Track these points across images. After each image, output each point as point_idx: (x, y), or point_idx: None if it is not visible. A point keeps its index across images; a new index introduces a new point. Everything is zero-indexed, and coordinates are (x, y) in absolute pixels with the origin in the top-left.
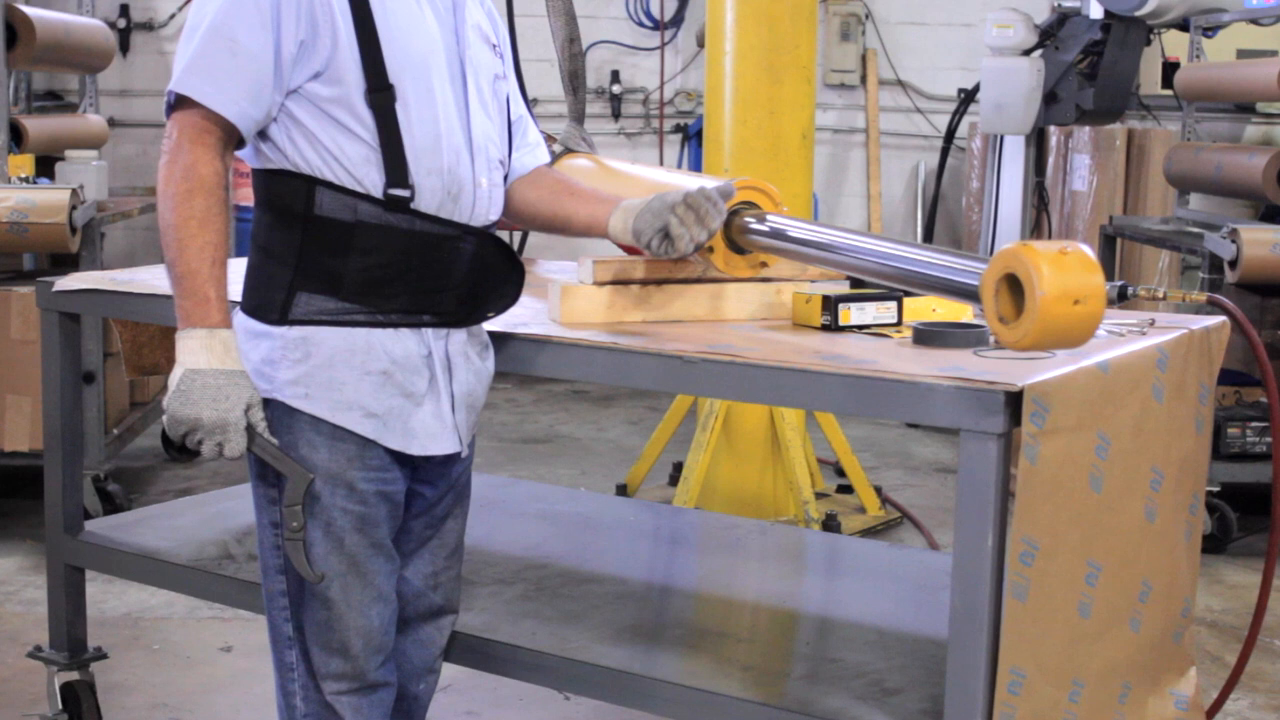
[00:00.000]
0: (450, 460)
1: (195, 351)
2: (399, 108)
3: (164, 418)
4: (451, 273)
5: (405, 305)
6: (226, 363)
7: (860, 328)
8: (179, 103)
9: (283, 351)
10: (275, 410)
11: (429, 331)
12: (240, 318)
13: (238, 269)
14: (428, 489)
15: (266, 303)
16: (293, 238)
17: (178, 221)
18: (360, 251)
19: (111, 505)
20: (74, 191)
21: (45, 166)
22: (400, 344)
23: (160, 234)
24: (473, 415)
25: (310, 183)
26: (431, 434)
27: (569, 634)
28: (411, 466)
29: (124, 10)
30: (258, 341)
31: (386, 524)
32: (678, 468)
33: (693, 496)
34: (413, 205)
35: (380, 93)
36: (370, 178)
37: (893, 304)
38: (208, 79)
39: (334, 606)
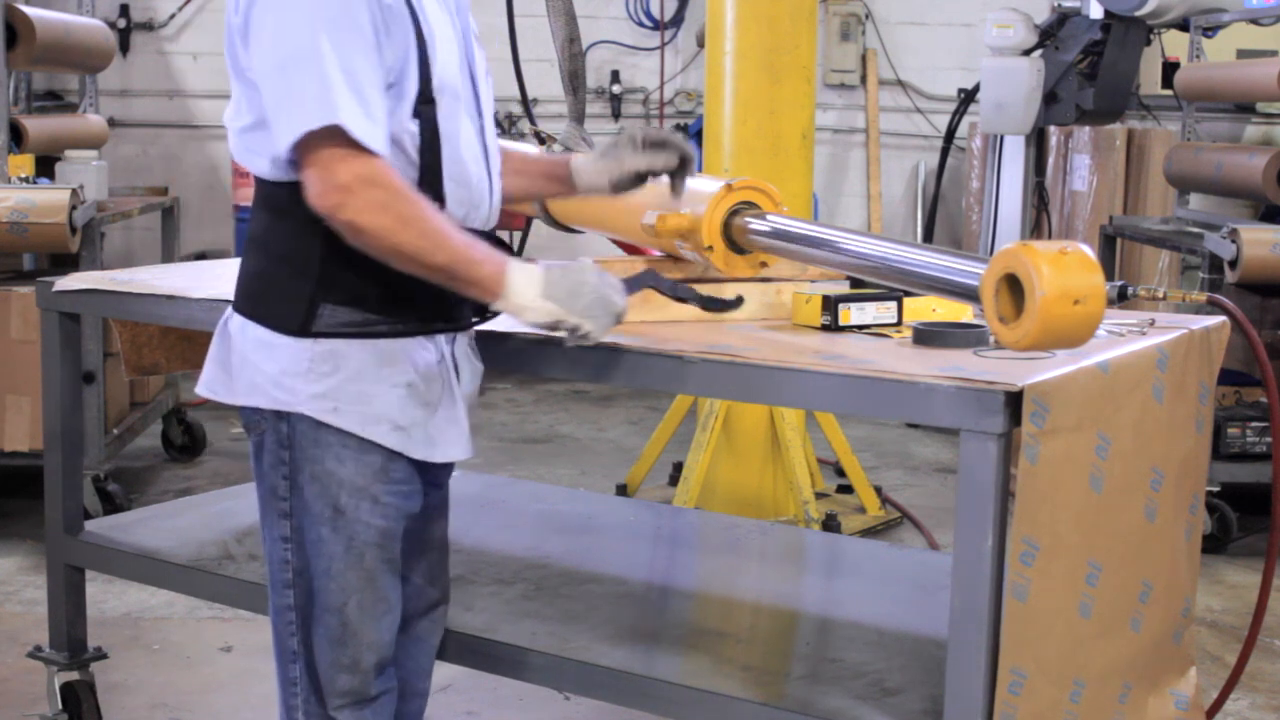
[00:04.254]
0: (448, 464)
1: (522, 269)
2: (438, 121)
3: (555, 317)
4: None
5: (424, 313)
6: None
7: (860, 328)
8: (313, 140)
9: (309, 364)
10: (300, 424)
11: (440, 337)
12: (248, 326)
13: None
14: (432, 491)
15: (282, 313)
16: (313, 247)
17: (413, 236)
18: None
19: (111, 505)
20: (74, 191)
21: (45, 166)
22: (421, 352)
23: (400, 261)
24: (475, 416)
25: None
26: (449, 440)
27: (569, 634)
28: (423, 474)
29: (124, 10)
30: (274, 353)
31: (400, 539)
32: (678, 468)
33: (693, 496)
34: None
35: (427, 104)
36: None
37: (893, 304)
38: (352, 111)
39: (350, 623)
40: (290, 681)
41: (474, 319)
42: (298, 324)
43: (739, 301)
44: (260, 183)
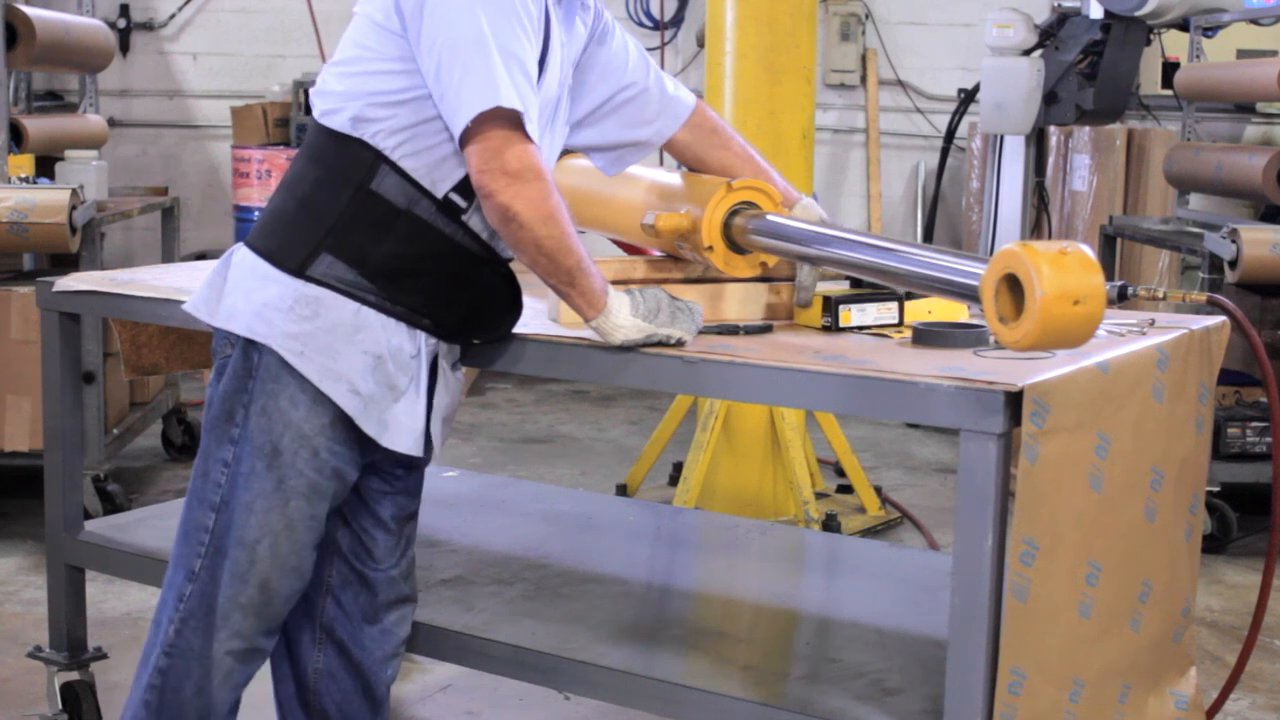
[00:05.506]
0: (418, 467)
1: (616, 292)
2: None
3: (646, 335)
4: (466, 292)
5: (414, 304)
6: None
7: (861, 328)
8: (485, 120)
9: (292, 303)
10: (268, 357)
11: (421, 335)
12: (248, 255)
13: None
14: (398, 483)
15: (285, 251)
16: (337, 201)
17: (555, 234)
18: (398, 239)
19: (111, 505)
20: (74, 191)
21: (45, 166)
22: (397, 337)
23: (533, 254)
24: (448, 427)
25: (378, 158)
26: (402, 430)
27: (569, 634)
28: (373, 459)
29: (124, 10)
30: (265, 284)
31: (330, 502)
32: (678, 468)
33: (693, 496)
34: (463, 218)
35: None
36: (443, 180)
37: (894, 304)
38: (524, 97)
39: (258, 562)
40: (178, 596)
41: (460, 336)
42: (295, 264)
43: (770, 328)
44: (314, 131)
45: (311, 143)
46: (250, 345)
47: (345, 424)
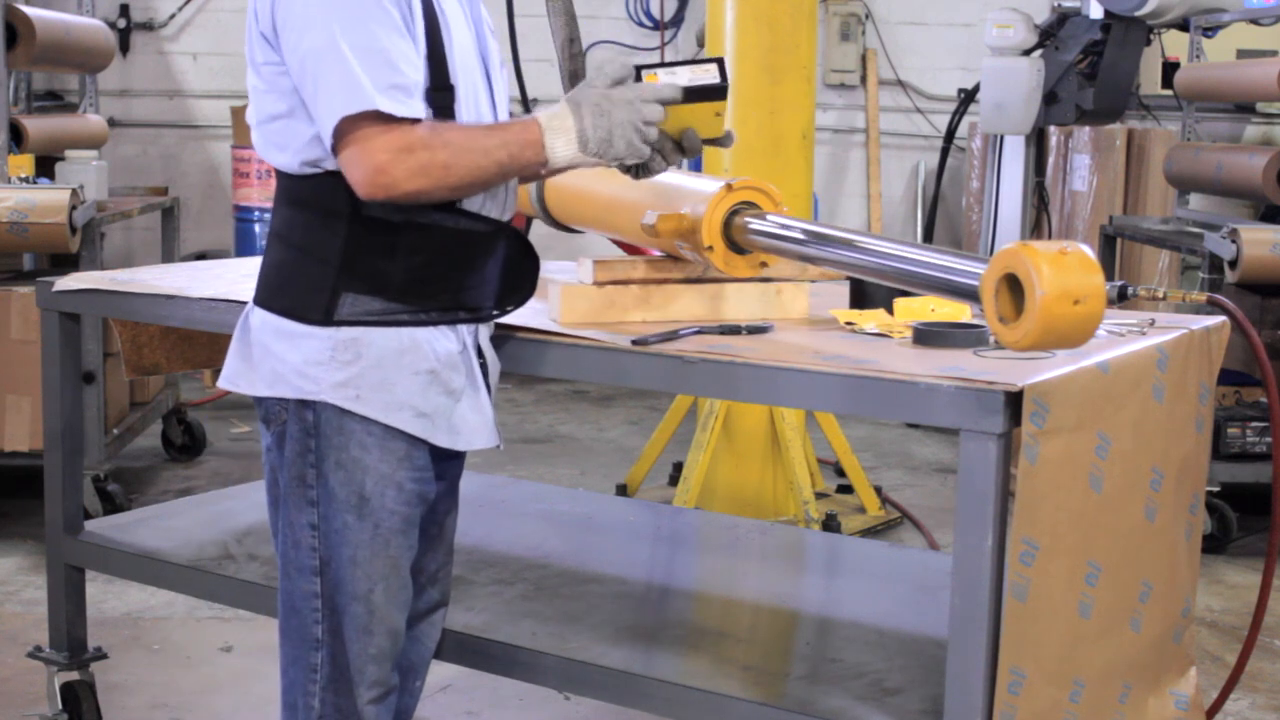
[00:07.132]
0: (459, 456)
1: (554, 135)
2: (456, 109)
3: (607, 141)
4: (487, 268)
5: (445, 303)
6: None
7: (689, 93)
8: (347, 125)
9: (331, 353)
10: (324, 412)
11: (462, 327)
12: (269, 318)
13: (231, 267)
14: (440, 484)
15: (304, 303)
16: (335, 238)
17: (463, 172)
18: (407, 251)
19: (111, 505)
20: (74, 191)
21: (45, 166)
22: (442, 341)
23: (463, 194)
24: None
25: None
26: (474, 428)
27: (569, 634)
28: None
29: (124, 10)
30: (297, 343)
31: (418, 526)
32: (678, 468)
33: (693, 496)
34: (459, 204)
35: (442, 91)
36: None
37: (711, 66)
38: (379, 88)
39: (376, 610)
40: (310, 668)
41: (495, 312)
42: (320, 313)
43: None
44: (280, 176)
45: (285, 189)
46: (302, 405)
47: (419, 445)
